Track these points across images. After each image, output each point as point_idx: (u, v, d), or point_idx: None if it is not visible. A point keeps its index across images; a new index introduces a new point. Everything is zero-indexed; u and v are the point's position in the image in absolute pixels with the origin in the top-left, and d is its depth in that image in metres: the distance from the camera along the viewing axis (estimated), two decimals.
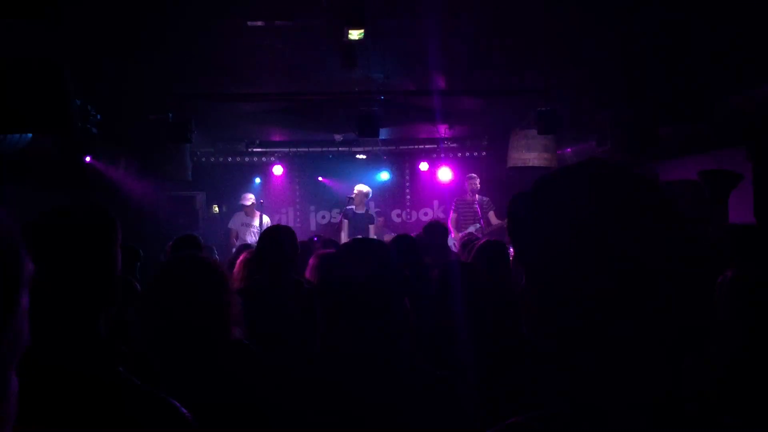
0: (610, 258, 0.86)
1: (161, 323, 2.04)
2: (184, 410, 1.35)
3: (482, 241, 4.21)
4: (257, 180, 12.06)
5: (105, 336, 1.37)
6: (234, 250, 7.51)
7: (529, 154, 9.08)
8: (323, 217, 12.42)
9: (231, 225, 10.35)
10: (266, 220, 9.96)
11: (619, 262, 0.86)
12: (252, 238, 9.60)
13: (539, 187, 0.98)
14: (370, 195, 9.89)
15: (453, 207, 10.12)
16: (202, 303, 2.06)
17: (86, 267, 1.36)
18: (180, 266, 2.14)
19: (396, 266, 2.12)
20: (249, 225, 10.12)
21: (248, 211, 10.22)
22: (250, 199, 10.32)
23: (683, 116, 6.43)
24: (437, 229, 6.22)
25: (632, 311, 0.86)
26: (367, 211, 9.61)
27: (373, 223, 9.58)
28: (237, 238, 9.93)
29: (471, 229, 9.49)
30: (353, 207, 9.50)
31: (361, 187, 9.57)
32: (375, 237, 9.36)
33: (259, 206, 10.20)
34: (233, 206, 11.49)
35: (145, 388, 1.31)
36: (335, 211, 11.78)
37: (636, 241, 0.87)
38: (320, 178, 12.37)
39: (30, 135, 5.55)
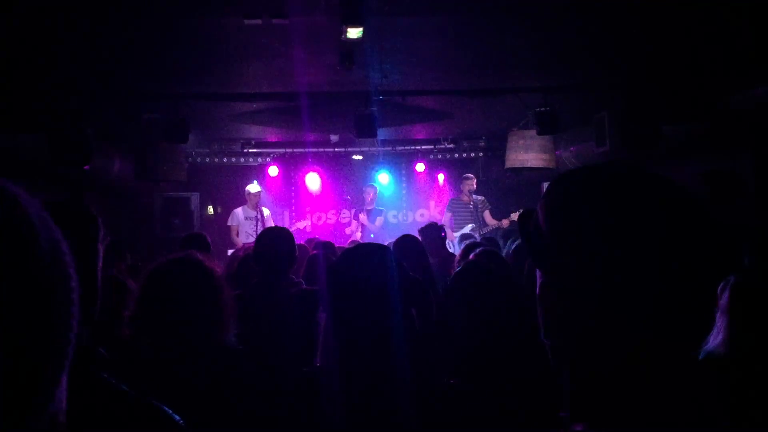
0: (636, 262, 0.83)
1: (153, 326, 1.98)
2: (175, 416, 1.28)
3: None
4: (254, 182, 11.87)
5: (86, 340, 1.29)
6: (232, 251, 7.40)
7: (527, 154, 9.05)
8: (319, 218, 12.34)
9: (230, 222, 9.83)
10: (267, 213, 9.78)
11: (646, 266, 0.83)
12: (256, 231, 9.27)
13: (564, 188, 0.94)
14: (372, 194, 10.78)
15: (448, 207, 10.09)
16: (195, 306, 2.00)
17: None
18: (173, 268, 2.07)
19: (399, 271, 2.06)
20: (253, 218, 9.58)
21: (253, 202, 9.72)
22: (257, 187, 9.97)
23: (684, 115, 6.39)
24: (434, 231, 6.22)
25: (656, 316, 0.83)
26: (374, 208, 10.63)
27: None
28: (238, 234, 9.58)
29: (467, 229, 9.46)
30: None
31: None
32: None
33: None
34: (229, 207, 11.39)
35: (132, 394, 1.23)
36: (331, 212, 11.72)
37: (663, 244, 0.84)
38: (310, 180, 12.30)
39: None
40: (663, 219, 0.85)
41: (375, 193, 10.82)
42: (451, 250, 8.22)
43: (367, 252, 2.32)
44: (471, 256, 4.13)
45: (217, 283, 2.09)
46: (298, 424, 1.90)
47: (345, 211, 11.92)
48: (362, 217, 10.53)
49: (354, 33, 5.08)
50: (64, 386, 0.57)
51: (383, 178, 11.73)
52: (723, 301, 2.35)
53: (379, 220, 10.56)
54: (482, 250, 4.26)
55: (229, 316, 2.09)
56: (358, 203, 11.19)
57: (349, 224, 11.34)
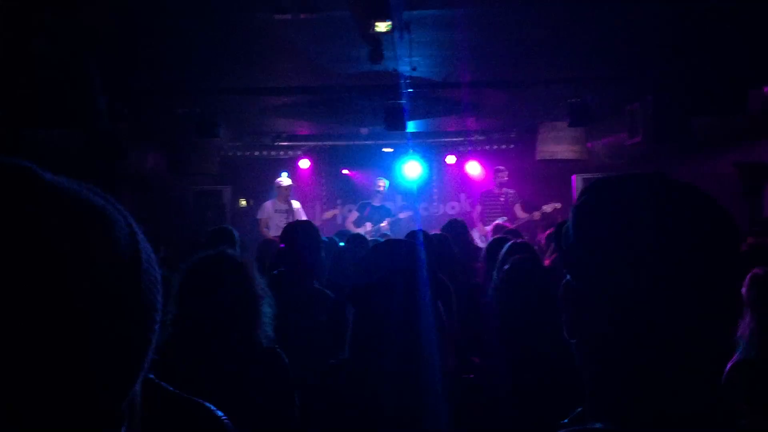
0: (656, 274, 0.85)
1: (187, 324, 2.01)
2: (222, 414, 1.31)
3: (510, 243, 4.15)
4: (284, 174, 11.87)
5: None
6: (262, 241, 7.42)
7: (558, 146, 8.98)
8: (349, 210, 12.37)
9: (260, 215, 9.81)
10: (297, 205, 9.82)
11: (665, 278, 0.85)
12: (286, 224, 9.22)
13: (593, 195, 0.97)
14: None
15: (479, 200, 10.04)
16: (229, 304, 2.02)
17: None
18: (207, 266, 2.10)
19: (427, 265, 2.07)
20: (283, 211, 9.60)
21: (283, 195, 9.76)
22: (287, 180, 9.96)
23: (717, 107, 6.28)
24: (457, 227, 6.20)
25: (680, 320, 0.84)
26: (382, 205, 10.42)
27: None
28: (268, 227, 9.54)
29: (498, 221, 9.39)
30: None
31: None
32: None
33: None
34: (260, 200, 11.49)
35: (180, 394, 1.26)
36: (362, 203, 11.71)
37: (683, 256, 0.85)
38: (346, 172, 12.34)
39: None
40: (686, 234, 0.86)
41: (385, 187, 10.61)
42: (482, 245, 8.19)
43: (396, 246, 2.34)
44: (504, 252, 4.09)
45: (249, 279, 2.11)
46: (326, 416, 1.92)
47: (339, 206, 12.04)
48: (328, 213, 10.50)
49: (383, 26, 5.08)
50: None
51: (411, 169, 11.44)
52: (748, 294, 2.32)
53: (386, 222, 10.24)
54: (519, 247, 4.20)
55: (261, 314, 2.11)
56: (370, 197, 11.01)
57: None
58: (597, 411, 0.90)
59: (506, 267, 2.99)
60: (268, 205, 9.82)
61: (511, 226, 8.34)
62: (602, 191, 0.96)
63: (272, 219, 9.61)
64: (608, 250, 0.89)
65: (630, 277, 0.85)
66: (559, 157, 9.04)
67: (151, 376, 1.25)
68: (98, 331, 0.56)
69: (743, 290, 2.33)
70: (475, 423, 1.93)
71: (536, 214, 9.27)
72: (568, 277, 0.96)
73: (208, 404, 1.28)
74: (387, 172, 11.52)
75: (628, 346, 0.87)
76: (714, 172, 7.16)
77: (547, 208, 9.13)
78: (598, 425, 0.87)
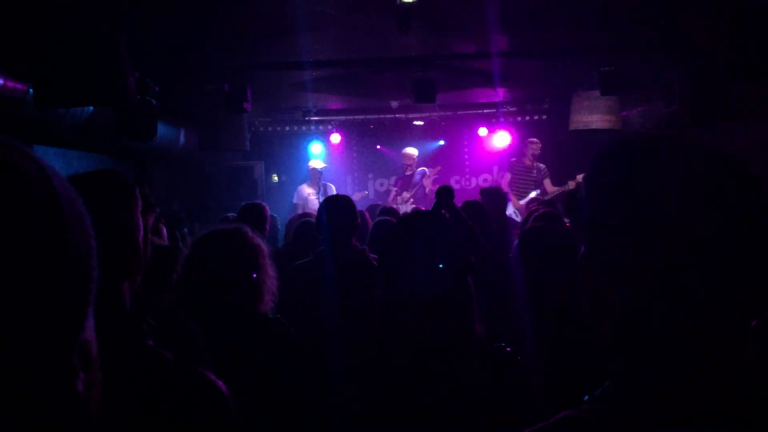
0: (673, 241, 0.80)
1: (194, 297, 2.03)
2: (220, 383, 1.31)
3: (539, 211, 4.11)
4: (316, 146, 11.81)
5: (130, 307, 1.33)
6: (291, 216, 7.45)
7: (592, 116, 8.79)
8: (381, 184, 12.35)
9: (296, 200, 9.98)
10: (332, 188, 9.87)
11: (693, 241, 0.80)
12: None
13: (604, 159, 0.91)
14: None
15: (508, 168, 9.89)
16: (232, 274, 2.03)
17: (105, 235, 1.31)
18: (210, 240, 2.11)
19: (456, 238, 2.04)
20: (317, 194, 9.75)
21: (316, 178, 9.89)
22: (320, 163, 10.09)
23: (757, 75, 6.07)
24: (497, 196, 6.00)
25: (708, 293, 0.79)
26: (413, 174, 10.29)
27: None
28: (304, 210, 9.72)
29: (532, 194, 9.27)
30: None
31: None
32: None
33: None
34: (292, 176, 11.52)
35: (178, 361, 1.26)
36: (393, 178, 11.65)
37: (713, 217, 0.80)
38: (378, 146, 12.30)
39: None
40: (711, 199, 0.81)
41: (415, 160, 10.53)
42: (518, 219, 8.10)
43: (420, 219, 2.31)
44: (530, 222, 4.06)
45: (256, 255, 2.11)
46: (353, 388, 1.93)
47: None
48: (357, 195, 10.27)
49: None
50: (90, 323, 0.62)
51: (501, 139, 11.36)
52: None
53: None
54: (543, 215, 4.16)
55: (268, 288, 2.12)
56: (399, 170, 11.01)
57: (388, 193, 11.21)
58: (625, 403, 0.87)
59: (525, 229, 2.95)
60: (303, 188, 9.92)
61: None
62: (617, 156, 0.90)
63: (308, 202, 9.69)
64: (627, 220, 0.83)
65: (650, 247, 0.81)
66: (593, 127, 8.85)
67: (150, 342, 1.25)
68: (24, 281, 0.54)
69: None
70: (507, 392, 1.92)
71: (572, 183, 9.09)
72: (584, 249, 0.92)
73: (206, 372, 1.29)
74: (417, 145, 11.46)
75: (648, 327, 0.82)
76: (755, 141, 6.95)
77: (581, 178, 8.97)
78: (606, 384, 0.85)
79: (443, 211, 4.05)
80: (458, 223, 3.89)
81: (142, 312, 1.42)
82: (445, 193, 4.21)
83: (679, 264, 0.80)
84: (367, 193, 11.55)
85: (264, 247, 2.22)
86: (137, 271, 1.37)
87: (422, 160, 11.15)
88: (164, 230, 4.27)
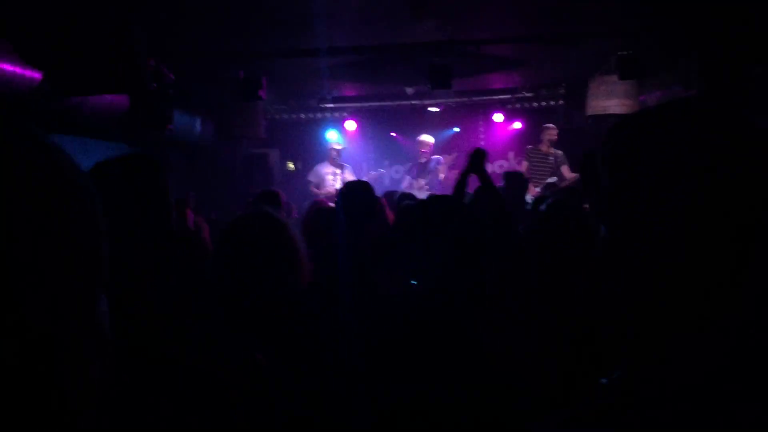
0: (704, 222, 0.77)
1: (227, 282, 2.04)
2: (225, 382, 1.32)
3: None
4: (332, 133, 11.77)
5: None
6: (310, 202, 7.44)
7: (610, 101, 8.70)
8: (397, 171, 12.33)
9: (311, 177, 9.93)
10: (348, 168, 9.88)
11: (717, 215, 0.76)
12: (338, 186, 9.27)
13: (621, 134, 0.87)
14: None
15: (525, 155, 9.82)
16: (266, 260, 2.04)
17: (140, 214, 1.34)
18: (242, 224, 2.12)
19: (470, 221, 2.05)
20: (335, 174, 9.68)
21: (333, 157, 9.85)
22: (339, 143, 10.12)
23: None
24: (518, 180, 5.88)
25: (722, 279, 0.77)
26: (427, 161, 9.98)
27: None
28: (318, 188, 9.62)
29: (549, 181, 9.18)
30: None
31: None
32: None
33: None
34: (308, 163, 11.53)
35: (187, 360, 1.28)
36: (408, 165, 11.60)
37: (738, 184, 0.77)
38: (393, 134, 12.26)
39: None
40: (740, 169, 0.78)
41: (431, 147, 10.00)
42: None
43: (435, 203, 2.31)
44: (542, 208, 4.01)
45: (285, 231, 2.12)
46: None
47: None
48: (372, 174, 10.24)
49: None
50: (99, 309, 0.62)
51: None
52: None
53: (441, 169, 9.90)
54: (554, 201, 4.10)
55: (302, 258, 2.13)
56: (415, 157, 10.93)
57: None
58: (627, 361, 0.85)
59: (541, 207, 2.91)
60: (320, 167, 9.91)
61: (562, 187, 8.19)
62: (636, 125, 0.86)
63: (325, 181, 9.72)
64: (651, 193, 0.80)
65: (677, 223, 0.78)
66: (610, 112, 8.75)
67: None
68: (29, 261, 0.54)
69: None
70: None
71: None
72: (604, 230, 0.88)
73: (214, 370, 1.30)
74: (433, 132, 11.38)
75: (681, 311, 0.79)
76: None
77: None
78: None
79: (474, 175, 3.76)
80: (487, 191, 3.68)
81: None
82: (477, 155, 3.84)
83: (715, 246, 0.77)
84: (383, 171, 11.48)
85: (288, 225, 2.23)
86: (169, 247, 1.40)
87: (437, 147, 11.07)
88: (190, 214, 4.30)
